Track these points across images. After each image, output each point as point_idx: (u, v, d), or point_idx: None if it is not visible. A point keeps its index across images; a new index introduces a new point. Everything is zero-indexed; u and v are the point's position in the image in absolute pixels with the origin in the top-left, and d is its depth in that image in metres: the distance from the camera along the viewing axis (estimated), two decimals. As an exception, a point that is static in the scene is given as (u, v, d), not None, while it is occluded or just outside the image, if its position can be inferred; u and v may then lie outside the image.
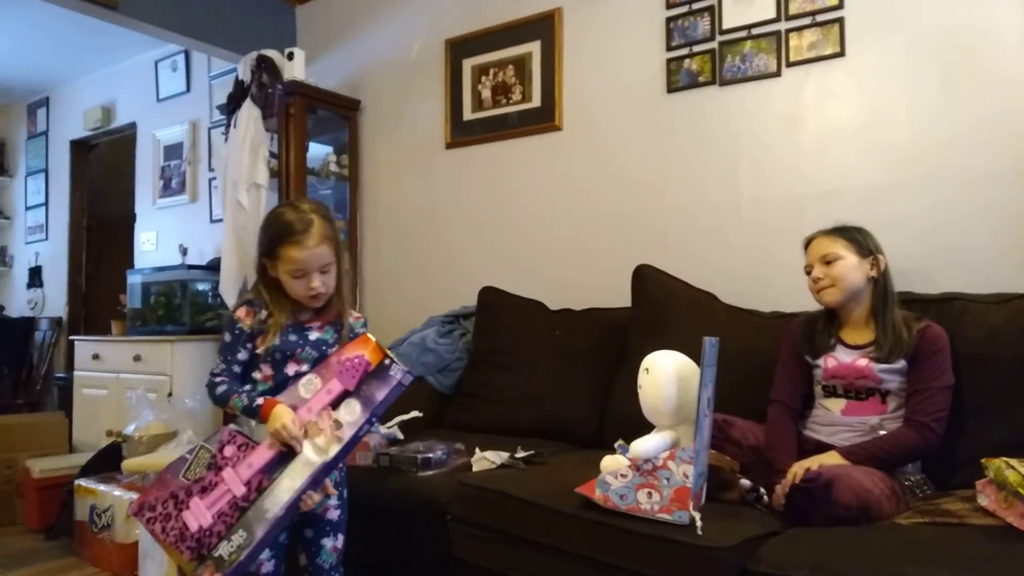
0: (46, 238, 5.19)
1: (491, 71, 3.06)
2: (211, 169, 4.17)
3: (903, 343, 1.70)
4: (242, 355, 1.61)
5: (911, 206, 2.16)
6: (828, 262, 1.79)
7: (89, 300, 5.05)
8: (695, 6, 2.54)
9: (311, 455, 1.49)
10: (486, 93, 3.07)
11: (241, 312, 1.61)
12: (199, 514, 1.46)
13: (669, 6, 2.60)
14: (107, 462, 2.80)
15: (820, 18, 2.31)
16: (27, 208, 5.35)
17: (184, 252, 3.99)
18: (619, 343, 2.39)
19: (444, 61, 3.19)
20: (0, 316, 5.27)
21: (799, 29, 2.35)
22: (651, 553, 1.41)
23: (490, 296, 2.78)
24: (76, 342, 3.87)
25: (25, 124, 5.37)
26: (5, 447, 3.21)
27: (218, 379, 1.59)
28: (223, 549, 1.42)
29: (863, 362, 1.73)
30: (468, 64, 3.12)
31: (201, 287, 3.70)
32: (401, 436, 2.20)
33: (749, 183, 2.45)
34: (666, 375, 1.65)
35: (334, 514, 1.67)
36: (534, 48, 2.93)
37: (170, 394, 3.21)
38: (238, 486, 1.47)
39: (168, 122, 4.42)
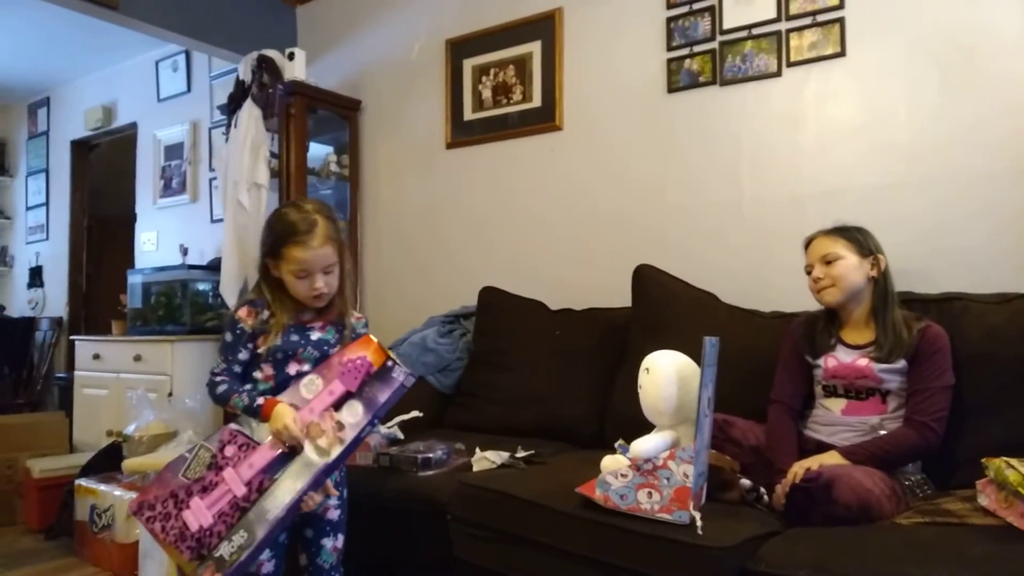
0: (47, 238, 5.19)
1: (492, 71, 3.06)
2: (212, 169, 4.17)
3: (903, 343, 1.70)
4: (243, 355, 1.61)
5: (911, 206, 2.16)
6: (828, 262, 1.79)
7: (90, 300, 5.05)
8: (695, 6, 2.55)
9: (313, 456, 1.49)
10: (486, 93, 3.07)
11: (243, 312, 1.61)
12: (199, 514, 1.46)
13: (669, 6, 2.60)
14: (107, 462, 2.80)
15: (820, 18, 2.31)
16: (28, 208, 5.35)
17: (184, 252, 3.99)
18: (619, 343, 2.39)
19: (444, 61, 3.19)
20: (1, 316, 5.27)
21: (799, 29, 2.35)
22: (651, 553, 1.41)
23: (490, 296, 2.78)
24: (76, 342, 3.87)
25: (26, 124, 5.38)
26: (5, 447, 3.21)
27: (218, 378, 1.59)
28: (224, 549, 1.42)
29: (863, 362, 1.73)
30: (468, 64, 3.12)
31: (201, 287, 3.71)
32: (401, 436, 2.20)
33: (749, 183, 2.45)
34: (666, 375, 1.65)
35: (334, 514, 1.68)
36: (534, 48, 2.94)
37: (170, 394, 3.21)
38: (239, 486, 1.47)
39: (169, 122, 4.43)
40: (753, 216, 2.44)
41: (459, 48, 3.15)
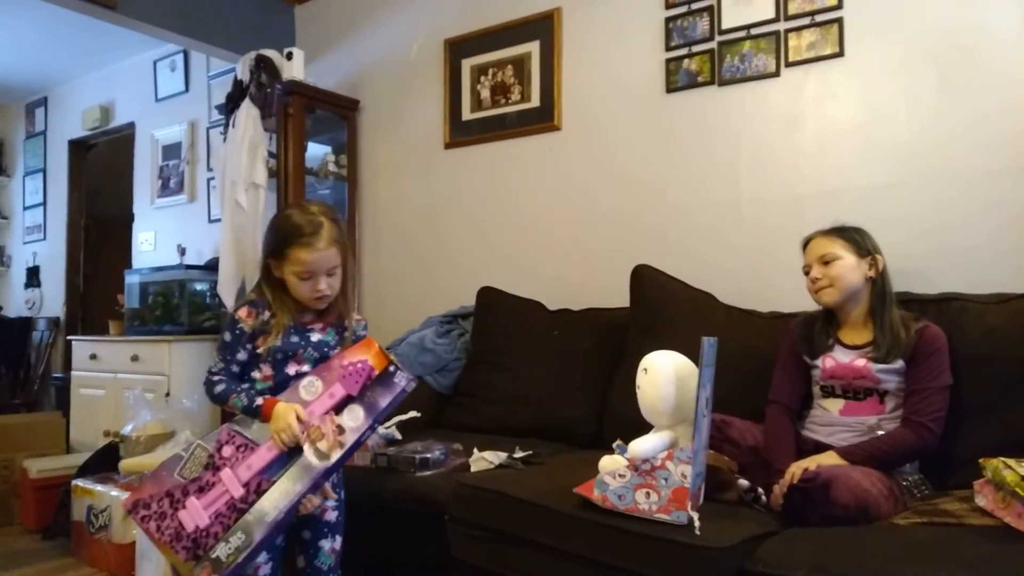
0: (44, 238, 5.18)
1: (490, 71, 3.05)
2: (209, 169, 4.16)
3: (901, 343, 1.70)
4: (241, 355, 1.61)
5: (910, 206, 2.16)
6: (826, 262, 1.79)
7: (87, 300, 5.04)
8: (694, 6, 2.54)
9: (312, 459, 1.49)
10: (485, 93, 3.07)
11: (243, 312, 1.61)
12: (196, 514, 1.45)
13: (668, 6, 2.60)
14: (104, 462, 2.80)
15: (819, 18, 2.31)
16: (25, 208, 5.34)
17: (182, 252, 3.99)
18: (618, 343, 2.38)
19: (443, 61, 3.19)
20: (-2, 316, 5.27)
21: (798, 29, 2.35)
22: (649, 553, 1.41)
23: (489, 296, 2.78)
24: (74, 342, 3.87)
25: (23, 124, 5.37)
26: (2, 447, 3.21)
27: (216, 378, 1.59)
28: (220, 551, 1.42)
29: (861, 362, 1.73)
30: (467, 64, 3.12)
31: (199, 287, 3.70)
32: (399, 436, 2.20)
33: (748, 183, 2.45)
34: (664, 375, 1.65)
35: (332, 515, 1.67)
36: (533, 48, 2.93)
37: (168, 394, 3.21)
38: (236, 487, 1.46)
39: (167, 122, 4.42)
40: (752, 216, 2.44)
41: (458, 48, 3.15)
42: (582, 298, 2.64)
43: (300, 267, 1.57)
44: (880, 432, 1.69)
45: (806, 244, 1.87)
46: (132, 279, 3.86)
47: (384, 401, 1.55)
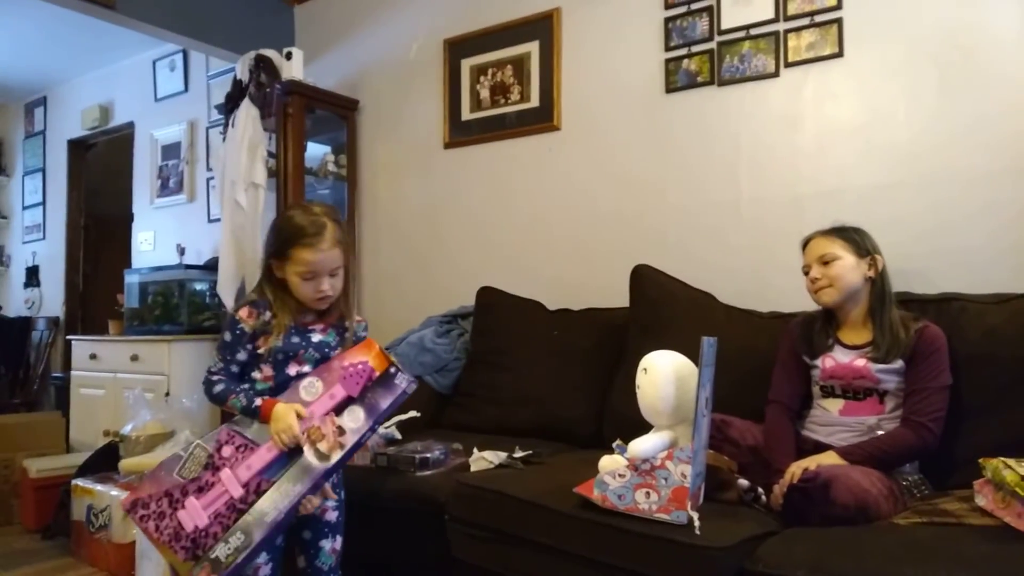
0: (43, 237, 5.18)
1: (490, 71, 3.05)
2: (209, 169, 4.16)
3: (901, 343, 1.70)
4: (241, 355, 1.61)
5: (910, 206, 2.16)
6: (826, 262, 1.79)
7: (86, 300, 5.04)
8: (694, 6, 2.54)
9: (312, 460, 1.49)
10: (484, 93, 3.07)
11: (243, 312, 1.61)
12: (195, 514, 1.45)
13: (668, 6, 2.60)
14: (104, 462, 2.80)
15: (819, 18, 2.31)
16: (24, 207, 5.34)
17: (182, 252, 3.99)
18: (617, 343, 2.38)
19: (443, 61, 3.19)
20: (-3, 316, 5.27)
21: (798, 29, 2.35)
22: (649, 553, 1.41)
23: (488, 296, 2.78)
24: (73, 342, 3.87)
25: (23, 123, 5.36)
26: (2, 447, 3.21)
27: (215, 377, 1.59)
28: (220, 551, 1.42)
29: (861, 362, 1.73)
30: (467, 64, 3.12)
31: (199, 287, 3.70)
32: (399, 436, 2.20)
33: (748, 183, 2.45)
34: (664, 375, 1.65)
35: (332, 516, 1.67)
36: (532, 48, 2.93)
37: (167, 394, 3.21)
38: (236, 488, 1.47)
39: (166, 122, 4.42)
40: (751, 216, 2.44)
41: (457, 48, 3.15)
42: (582, 298, 2.65)
43: (303, 267, 1.57)
44: (880, 432, 1.69)
45: (806, 244, 1.87)
46: (132, 279, 3.86)
47: (385, 403, 1.55)
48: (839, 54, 2.28)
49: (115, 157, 4.88)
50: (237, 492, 1.46)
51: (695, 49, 2.54)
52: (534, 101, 2.93)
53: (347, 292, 1.67)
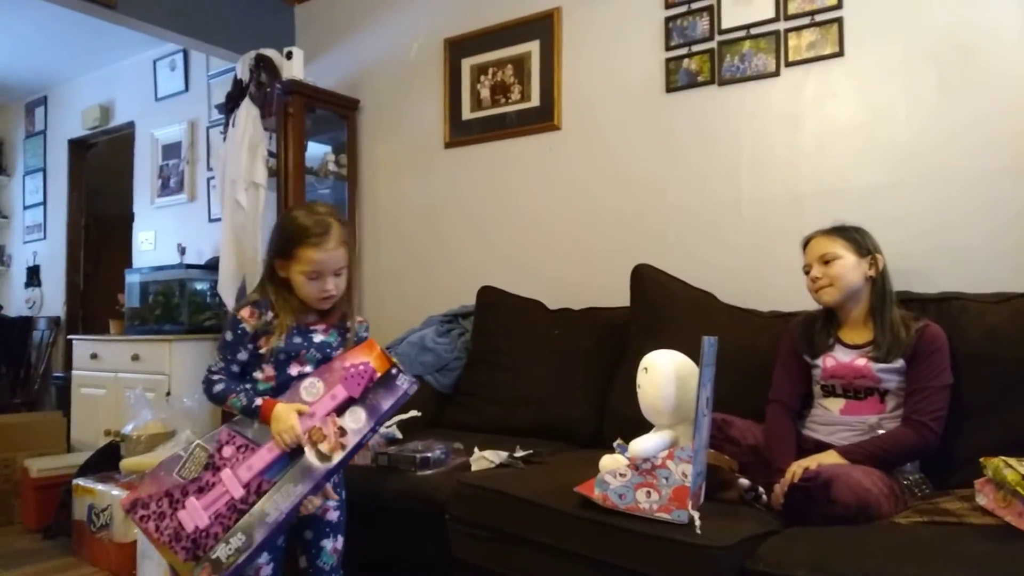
0: (44, 237, 5.18)
1: (490, 70, 3.05)
2: (209, 168, 4.16)
3: (901, 342, 1.70)
4: (242, 355, 1.61)
5: (910, 206, 2.16)
6: (826, 262, 1.79)
7: (87, 299, 5.04)
8: (694, 6, 2.54)
9: (314, 460, 1.49)
10: (485, 92, 3.07)
11: (245, 312, 1.61)
12: (195, 514, 1.45)
13: (668, 6, 2.60)
14: (105, 461, 2.80)
15: (819, 18, 2.31)
16: (25, 207, 5.34)
17: (182, 251, 3.99)
18: (618, 343, 2.39)
19: (443, 60, 3.19)
20: (-2, 315, 5.27)
21: (798, 29, 2.35)
22: (650, 552, 1.41)
23: (489, 295, 2.78)
24: (74, 341, 3.87)
25: (23, 123, 5.36)
26: (3, 446, 3.21)
27: (215, 377, 1.59)
28: (220, 551, 1.42)
29: (862, 362, 1.73)
30: (467, 63, 3.12)
31: (199, 286, 3.70)
32: (400, 436, 2.20)
33: (748, 183, 2.45)
34: (665, 374, 1.65)
35: (333, 515, 1.68)
36: (533, 48, 2.93)
37: (168, 393, 3.21)
38: (237, 488, 1.47)
39: (166, 121, 4.42)
40: (752, 216, 2.44)
41: (457, 47, 3.15)
42: (582, 297, 2.65)
43: (309, 267, 1.57)
44: (881, 431, 1.69)
45: (806, 243, 1.87)
46: (132, 278, 3.86)
47: (386, 404, 1.56)
48: (839, 54, 2.28)
49: (116, 157, 4.88)
50: (238, 492, 1.46)
51: (695, 49, 2.54)
52: (534, 101, 2.93)
53: (349, 292, 1.68)
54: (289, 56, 3.23)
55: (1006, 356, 1.73)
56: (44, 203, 5.20)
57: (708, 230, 2.52)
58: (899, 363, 1.70)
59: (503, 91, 3.01)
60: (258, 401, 1.54)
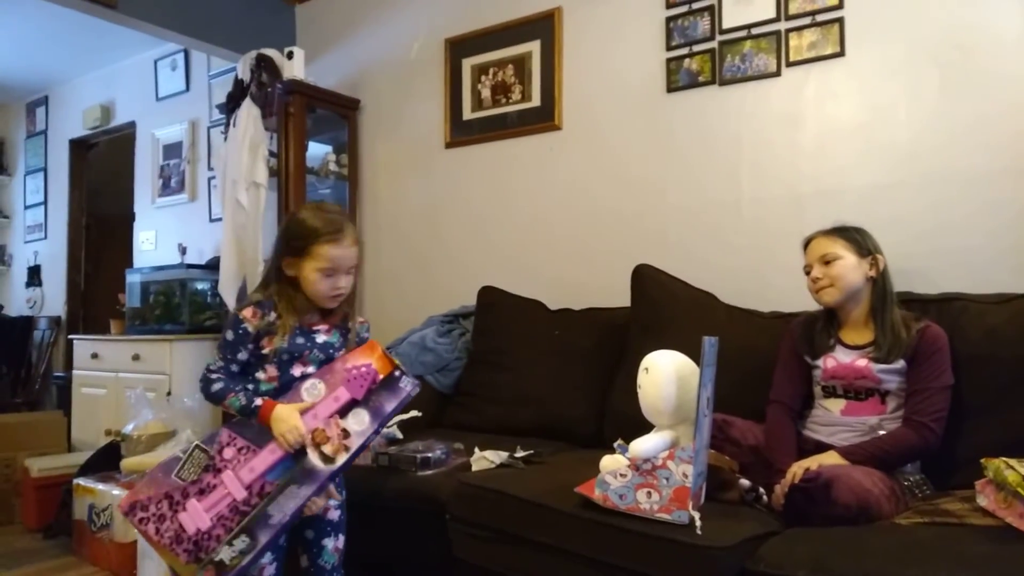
0: (45, 237, 5.18)
1: (491, 70, 3.05)
2: (210, 168, 4.16)
3: (902, 343, 1.70)
4: (242, 355, 1.61)
5: (911, 206, 2.16)
6: (827, 262, 1.79)
7: (88, 299, 5.04)
8: (695, 6, 2.54)
9: (317, 462, 1.49)
10: (486, 92, 3.07)
11: (248, 312, 1.61)
12: (197, 517, 1.45)
13: (669, 6, 2.60)
14: (106, 461, 2.80)
15: (820, 18, 2.31)
16: (26, 207, 5.34)
17: (183, 251, 3.99)
18: (618, 343, 2.38)
19: (444, 60, 3.19)
20: (-1, 315, 5.27)
21: (799, 29, 2.35)
22: (650, 552, 1.41)
23: (489, 296, 2.78)
24: (75, 341, 3.87)
25: (24, 123, 5.37)
26: (4, 446, 3.21)
27: (214, 376, 1.59)
28: (224, 553, 1.42)
29: (862, 362, 1.73)
30: (468, 63, 3.12)
31: (200, 286, 3.71)
32: (400, 436, 2.20)
33: (749, 183, 2.45)
34: (665, 375, 1.65)
35: (335, 514, 1.68)
36: (534, 48, 2.93)
37: (169, 393, 3.21)
38: (239, 490, 1.46)
39: (167, 121, 4.42)
40: (752, 216, 2.44)
41: (458, 47, 3.15)
42: (583, 298, 2.65)
43: (326, 263, 1.58)
44: (881, 432, 1.69)
45: (807, 244, 1.87)
46: (133, 278, 3.86)
47: (390, 406, 1.56)
48: (840, 54, 2.28)
49: (116, 157, 4.88)
50: (240, 494, 1.46)
51: (696, 49, 2.54)
52: (535, 101, 2.93)
53: (352, 293, 1.68)
54: (290, 56, 3.23)
55: (1007, 357, 1.73)
56: (45, 203, 5.20)
57: (709, 230, 2.52)
58: (900, 364, 1.70)
59: (504, 91, 3.01)
60: (258, 401, 1.54)
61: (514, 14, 2.98)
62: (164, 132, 4.45)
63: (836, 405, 1.77)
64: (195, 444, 1.53)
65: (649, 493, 1.45)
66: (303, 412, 1.53)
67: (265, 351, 1.59)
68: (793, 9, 2.35)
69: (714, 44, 2.51)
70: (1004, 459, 1.37)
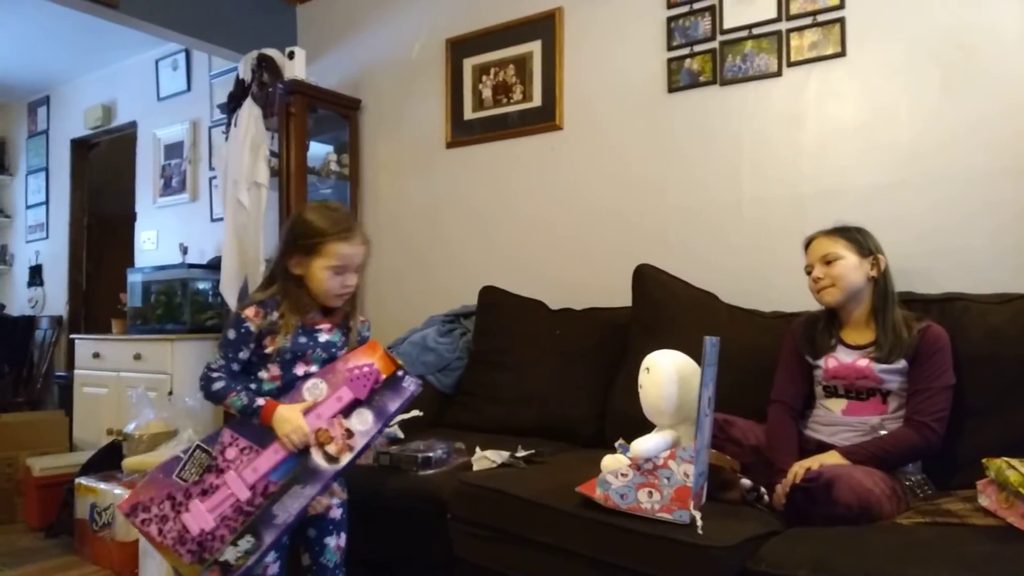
0: (47, 237, 5.19)
1: (492, 70, 3.05)
2: (211, 168, 4.17)
3: (903, 343, 1.70)
4: (244, 354, 1.61)
5: (912, 206, 2.16)
6: (828, 262, 1.79)
7: (89, 299, 5.05)
8: (696, 6, 2.54)
9: (321, 462, 1.49)
10: (487, 92, 3.07)
11: (250, 311, 1.61)
12: (200, 517, 1.45)
13: (670, 6, 2.60)
14: (107, 460, 2.81)
15: (821, 18, 2.31)
16: (28, 207, 5.34)
17: (184, 251, 3.99)
18: (620, 342, 2.39)
19: (445, 60, 3.19)
20: (1, 315, 5.27)
21: (800, 29, 2.35)
22: (651, 552, 1.41)
23: (491, 295, 2.78)
24: (76, 341, 3.88)
25: (26, 123, 5.37)
26: (6, 445, 3.21)
27: (215, 374, 1.58)
28: (229, 554, 1.42)
29: (864, 362, 1.73)
30: (469, 63, 3.12)
31: (201, 286, 3.71)
32: (401, 435, 2.21)
33: (750, 183, 2.45)
34: (667, 374, 1.65)
35: (336, 513, 1.68)
36: (535, 48, 2.93)
37: (170, 392, 3.22)
38: (242, 490, 1.47)
39: (168, 121, 4.42)
40: (753, 216, 2.44)
41: (459, 47, 3.15)
42: (584, 297, 2.65)
43: (336, 260, 1.59)
44: (883, 432, 1.69)
45: (808, 244, 1.87)
46: (134, 278, 3.86)
47: (393, 406, 1.56)
48: (841, 54, 2.28)
49: (118, 156, 4.88)
50: (244, 495, 1.46)
51: (697, 49, 2.54)
52: (536, 101, 2.93)
53: (354, 293, 1.68)
54: (291, 56, 3.23)
55: (1008, 357, 1.73)
56: (46, 202, 5.21)
57: (710, 230, 2.52)
58: (901, 364, 1.70)
59: (505, 91, 3.01)
60: (260, 401, 1.54)
61: (515, 14, 2.98)
62: (165, 132, 4.45)
63: (837, 405, 1.77)
64: (196, 445, 1.53)
65: (650, 493, 1.45)
66: (305, 412, 1.53)
67: (268, 350, 1.59)
68: (794, 9, 2.35)
69: (715, 44, 2.51)
70: (1006, 459, 1.37)
